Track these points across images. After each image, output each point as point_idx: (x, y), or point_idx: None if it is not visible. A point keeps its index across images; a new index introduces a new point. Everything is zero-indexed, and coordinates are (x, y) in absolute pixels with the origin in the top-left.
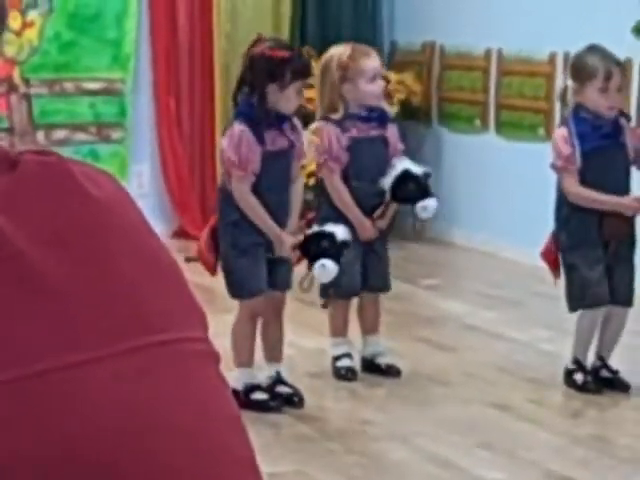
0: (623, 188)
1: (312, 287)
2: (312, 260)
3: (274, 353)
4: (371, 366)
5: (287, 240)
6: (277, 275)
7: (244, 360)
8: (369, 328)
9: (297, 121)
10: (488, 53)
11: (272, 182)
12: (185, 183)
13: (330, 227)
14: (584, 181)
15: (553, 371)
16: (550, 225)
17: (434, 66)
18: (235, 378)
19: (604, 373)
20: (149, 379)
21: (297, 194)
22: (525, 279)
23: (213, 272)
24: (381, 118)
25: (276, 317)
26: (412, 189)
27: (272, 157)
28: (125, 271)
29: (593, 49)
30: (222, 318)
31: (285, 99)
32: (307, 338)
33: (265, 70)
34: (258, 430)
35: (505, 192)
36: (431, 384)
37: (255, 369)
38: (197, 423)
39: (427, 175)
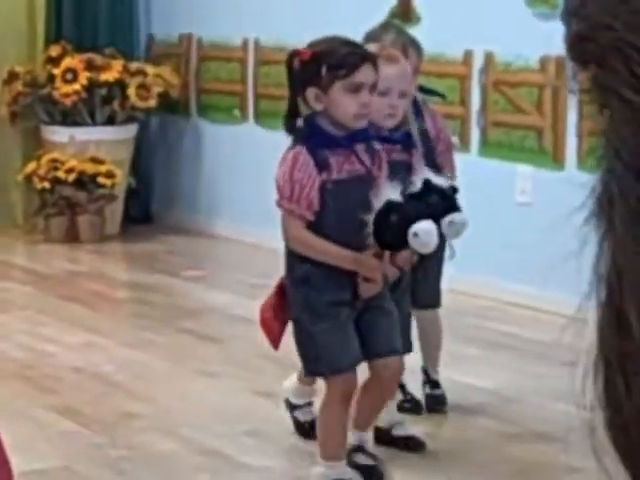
0: None
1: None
2: (398, 245)
3: (366, 421)
4: (387, 438)
5: (367, 257)
6: (382, 336)
7: (333, 453)
8: None
9: (377, 144)
10: (245, 43)
11: (343, 220)
12: None
13: (378, 200)
14: None
15: None
16: None
17: (192, 58)
18: (320, 475)
19: (427, 389)
20: None
21: None
22: None
23: (275, 345)
24: (404, 140)
25: (389, 386)
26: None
27: (341, 188)
28: None
29: (387, 27)
30: None
31: (334, 105)
32: (70, 334)
33: (299, 73)
34: (21, 426)
35: (265, 181)
36: (197, 375)
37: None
38: None
39: (454, 189)
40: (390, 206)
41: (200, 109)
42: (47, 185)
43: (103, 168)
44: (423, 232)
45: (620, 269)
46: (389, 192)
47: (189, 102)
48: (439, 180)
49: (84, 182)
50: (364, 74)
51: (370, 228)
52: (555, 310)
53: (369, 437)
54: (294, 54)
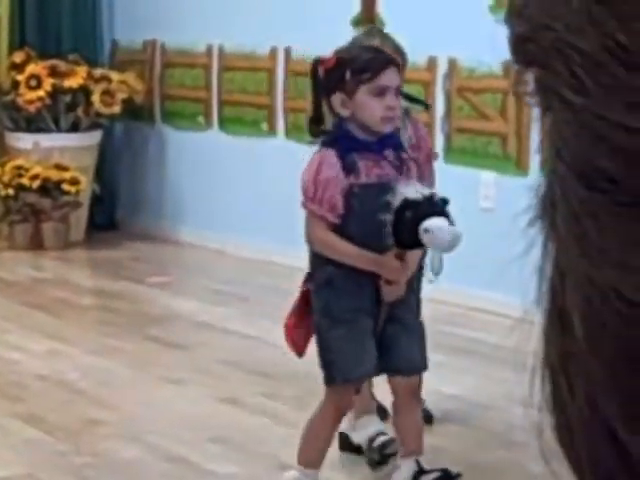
0: None
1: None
2: (413, 243)
3: (414, 445)
4: (347, 443)
5: (388, 259)
6: (402, 352)
7: (311, 460)
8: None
9: (407, 150)
10: (209, 49)
11: (367, 224)
12: None
13: (396, 197)
14: None
15: (283, 364)
16: (277, 218)
17: (156, 64)
18: (292, 479)
19: None
20: None
21: None
22: (253, 274)
23: (299, 352)
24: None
25: (411, 400)
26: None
27: (368, 192)
28: None
29: (371, 32)
30: None
31: (360, 109)
32: (34, 341)
33: (324, 81)
34: None
35: (230, 188)
36: (162, 382)
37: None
38: None
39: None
40: (406, 204)
41: (164, 115)
42: (11, 192)
43: (67, 175)
44: (434, 228)
45: (563, 270)
46: (406, 190)
47: (153, 108)
48: (426, 192)
49: (48, 189)
50: (388, 77)
51: (389, 228)
52: (515, 314)
53: (421, 459)
54: (319, 62)
